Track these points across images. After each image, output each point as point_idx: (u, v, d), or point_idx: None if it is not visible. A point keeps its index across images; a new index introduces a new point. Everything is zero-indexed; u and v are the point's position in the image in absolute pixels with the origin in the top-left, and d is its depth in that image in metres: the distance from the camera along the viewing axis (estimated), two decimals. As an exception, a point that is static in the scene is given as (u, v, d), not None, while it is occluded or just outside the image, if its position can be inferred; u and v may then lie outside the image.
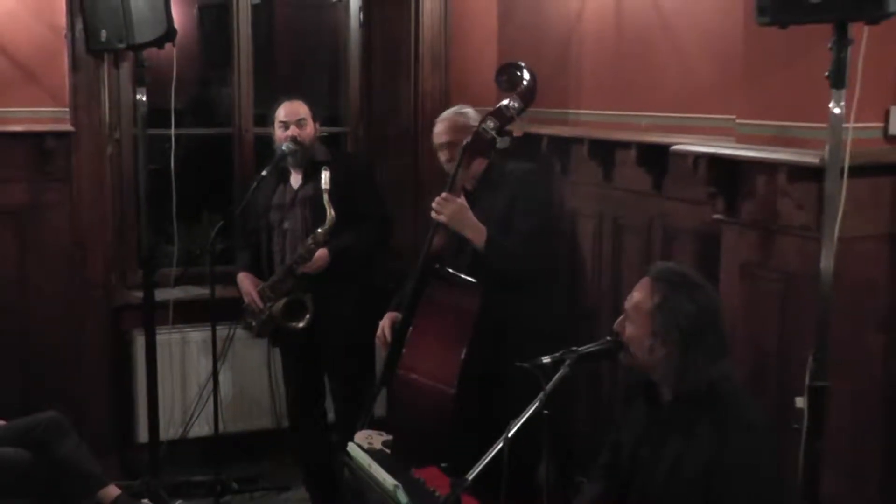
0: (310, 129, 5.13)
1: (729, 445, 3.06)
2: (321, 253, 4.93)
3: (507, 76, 4.32)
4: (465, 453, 3.50)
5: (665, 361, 3.18)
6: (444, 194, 4.34)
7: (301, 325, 5.03)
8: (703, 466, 3.08)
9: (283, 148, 5.12)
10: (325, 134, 5.49)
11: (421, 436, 4.24)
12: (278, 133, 5.14)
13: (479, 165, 4.54)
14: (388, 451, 4.08)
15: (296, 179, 5.16)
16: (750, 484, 3.05)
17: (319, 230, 4.89)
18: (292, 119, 5.10)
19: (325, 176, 4.90)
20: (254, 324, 5.17)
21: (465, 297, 4.35)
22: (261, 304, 5.11)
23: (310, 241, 4.92)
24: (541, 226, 4.41)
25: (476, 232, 4.32)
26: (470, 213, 4.34)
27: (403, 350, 4.45)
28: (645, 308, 3.18)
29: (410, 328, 4.48)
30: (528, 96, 4.30)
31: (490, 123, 4.28)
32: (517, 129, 4.69)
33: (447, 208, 4.31)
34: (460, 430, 4.18)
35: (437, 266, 4.45)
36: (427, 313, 4.48)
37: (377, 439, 4.06)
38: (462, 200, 4.35)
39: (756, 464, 3.07)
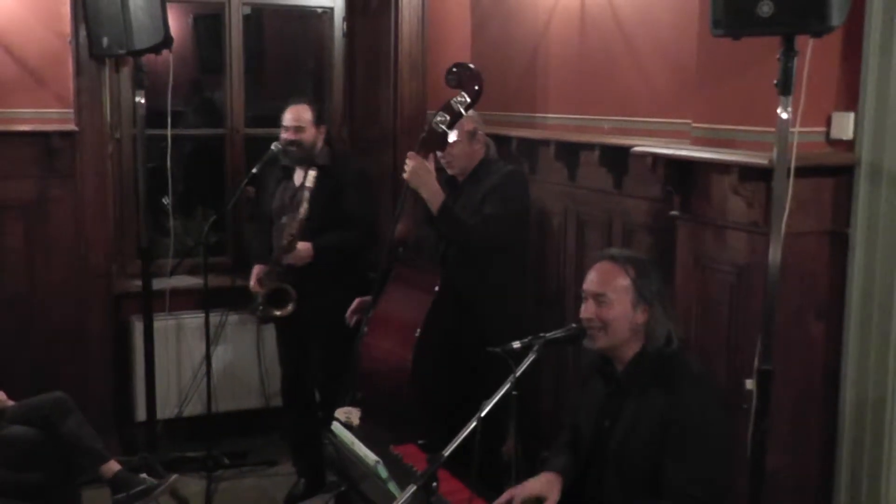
0: (308, 133, 5.07)
1: (679, 398, 3.09)
2: (305, 245, 4.89)
3: (455, 75, 4.30)
4: (434, 429, 3.51)
5: (643, 326, 3.21)
6: (409, 153, 4.34)
7: (281, 313, 4.99)
8: (658, 420, 3.10)
9: (273, 148, 5.11)
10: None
11: (384, 408, 4.23)
12: (281, 133, 5.12)
13: (472, 162, 4.54)
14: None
15: (299, 178, 5.11)
16: (702, 430, 3.06)
17: (293, 222, 4.86)
18: (291, 124, 5.06)
19: (310, 175, 4.87)
20: (259, 309, 5.14)
21: (424, 278, 4.36)
22: (259, 289, 5.08)
23: (285, 231, 4.89)
24: (503, 213, 4.38)
25: (433, 195, 4.29)
26: (431, 177, 4.31)
27: (366, 328, 4.45)
28: (624, 284, 3.20)
29: (373, 308, 4.49)
30: (475, 92, 4.27)
31: (440, 118, 4.27)
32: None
33: (409, 164, 4.30)
34: (428, 407, 4.18)
35: (401, 250, 4.46)
36: (389, 294, 4.48)
37: (355, 415, 4.05)
38: (422, 159, 4.32)
39: (705, 411, 3.09)
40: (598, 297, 3.23)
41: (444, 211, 4.28)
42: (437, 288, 4.29)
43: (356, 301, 4.67)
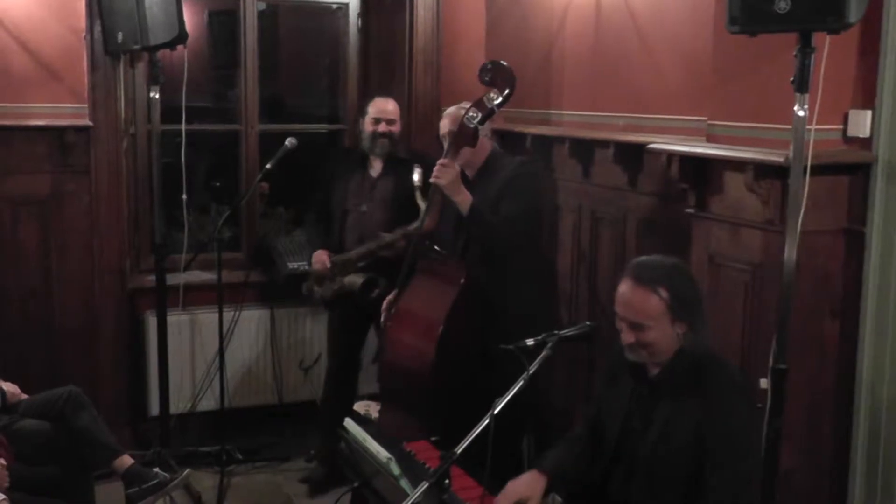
0: (399, 126, 5.21)
1: (716, 405, 3.03)
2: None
3: (489, 72, 4.31)
4: (452, 425, 3.50)
5: (681, 338, 3.13)
6: (443, 160, 4.34)
7: (372, 295, 5.00)
8: (693, 428, 3.04)
9: (287, 144, 5.13)
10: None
11: (404, 401, 4.24)
12: (368, 126, 5.20)
13: (479, 156, 4.54)
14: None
15: (375, 169, 5.18)
16: (741, 438, 3.02)
17: (411, 227, 4.80)
18: (384, 116, 5.18)
19: (417, 172, 4.84)
20: (316, 289, 5.13)
21: (449, 272, 4.36)
22: (328, 267, 5.11)
23: (399, 232, 4.91)
24: (523, 210, 4.39)
25: (464, 199, 4.32)
26: (460, 181, 4.35)
27: (390, 322, 4.46)
28: (660, 309, 3.08)
29: (398, 302, 4.49)
30: (508, 91, 4.28)
31: (472, 114, 4.28)
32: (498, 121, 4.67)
33: (446, 174, 4.31)
34: (448, 402, 4.17)
35: (427, 244, 4.46)
36: (414, 287, 4.49)
37: (374, 408, 4.06)
38: (458, 166, 4.35)
39: (743, 419, 3.05)
40: (635, 326, 3.13)
41: (473, 211, 4.30)
42: (462, 281, 4.29)
43: (385, 301, 4.67)
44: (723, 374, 3.13)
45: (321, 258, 5.18)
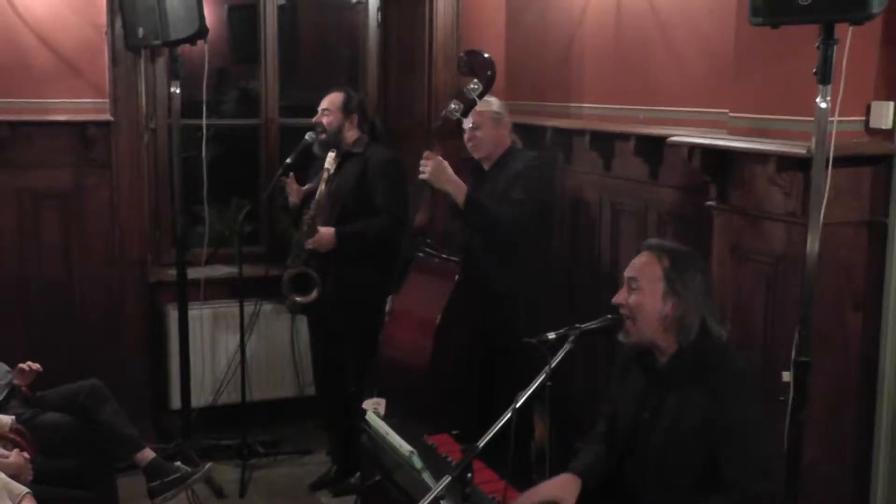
0: (333, 118, 5.08)
1: (721, 395, 3.05)
2: (327, 231, 4.88)
3: (466, 62, 4.30)
4: (453, 419, 3.50)
5: (673, 319, 3.16)
6: (426, 153, 4.33)
7: (303, 299, 4.99)
8: (701, 417, 3.07)
9: (307, 138, 5.15)
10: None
11: (403, 397, 4.24)
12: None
13: (498, 150, 4.56)
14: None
15: (330, 165, 5.10)
16: (746, 425, 3.04)
17: (311, 205, 4.87)
18: (319, 108, 5.14)
19: (329, 157, 4.93)
20: (286, 302, 5.13)
21: (445, 268, 4.36)
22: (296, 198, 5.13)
23: (304, 217, 4.91)
24: (529, 200, 4.38)
25: (456, 188, 4.31)
26: (450, 171, 4.32)
27: (387, 318, 4.48)
28: (656, 273, 3.18)
29: (394, 298, 4.52)
30: (487, 79, 4.27)
31: (454, 106, 4.26)
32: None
33: (428, 166, 4.30)
34: (447, 397, 4.17)
35: (421, 240, 4.46)
36: (410, 284, 4.50)
37: (382, 405, 4.06)
38: (440, 158, 4.32)
39: (745, 407, 3.06)
40: (631, 282, 3.22)
41: (470, 201, 4.29)
42: (457, 277, 4.29)
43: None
44: (728, 364, 3.15)
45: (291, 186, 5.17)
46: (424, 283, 4.43)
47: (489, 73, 4.24)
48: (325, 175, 4.89)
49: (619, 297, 3.24)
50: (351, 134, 5.11)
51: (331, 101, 5.11)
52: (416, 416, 4.06)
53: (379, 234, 4.95)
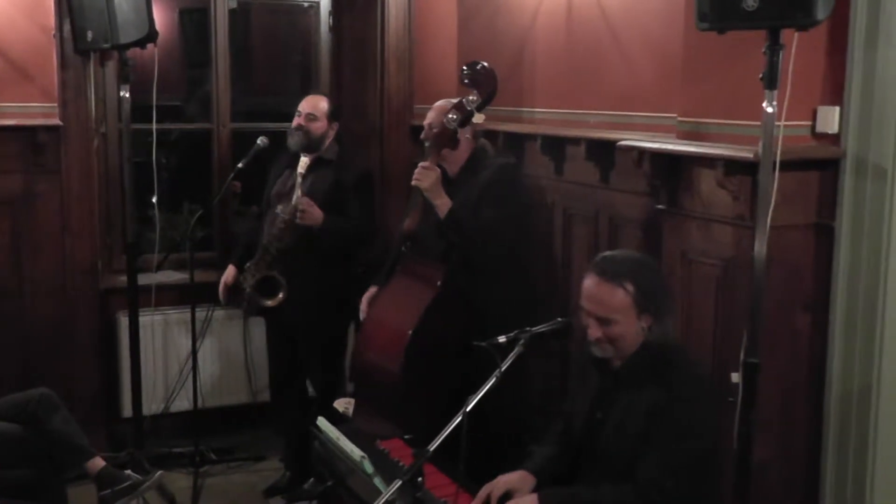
0: (320, 124, 5.10)
1: (670, 392, 3.08)
2: (317, 210, 4.89)
3: (470, 74, 4.33)
4: (426, 423, 3.50)
5: (646, 332, 3.18)
6: (424, 163, 4.35)
7: (272, 303, 4.99)
8: (644, 413, 3.10)
9: (259, 142, 5.14)
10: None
11: (376, 400, 4.25)
12: (294, 120, 5.16)
13: (462, 154, 4.55)
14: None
15: (300, 168, 5.06)
16: (685, 424, 3.05)
17: (287, 207, 4.88)
18: (304, 111, 5.12)
19: (303, 161, 4.95)
20: (244, 304, 5.12)
21: (428, 273, 4.37)
22: (223, 297, 5.19)
23: (278, 219, 4.91)
24: (501, 218, 4.38)
25: (443, 203, 4.34)
26: (440, 184, 4.36)
27: (363, 320, 4.52)
28: (625, 303, 3.14)
29: (375, 300, 4.54)
30: (488, 94, 4.31)
31: (452, 116, 4.30)
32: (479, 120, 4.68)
33: (427, 177, 4.33)
34: (422, 401, 4.17)
35: (408, 244, 4.47)
36: (392, 287, 4.52)
37: (353, 406, 4.07)
38: (437, 168, 4.37)
39: (693, 408, 3.08)
40: (602, 320, 3.18)
41: (450, 216, 4.32)
42: (439, 283, 4.30)
43: (366, 294, 4.71)
44: (683, 364, 3.19)
45: (225, 277, 5.24)
46: (407, 287, 4.44)
47: (491, 88, 4.29)
48: (300, 179, 4.92)
49: (595, 334, 3.20)
50: (329, 142, 5.15)
51: (318, 108, 5.13)
52: (388, 417, 4.07)
53: (353, 237, 5.06)
